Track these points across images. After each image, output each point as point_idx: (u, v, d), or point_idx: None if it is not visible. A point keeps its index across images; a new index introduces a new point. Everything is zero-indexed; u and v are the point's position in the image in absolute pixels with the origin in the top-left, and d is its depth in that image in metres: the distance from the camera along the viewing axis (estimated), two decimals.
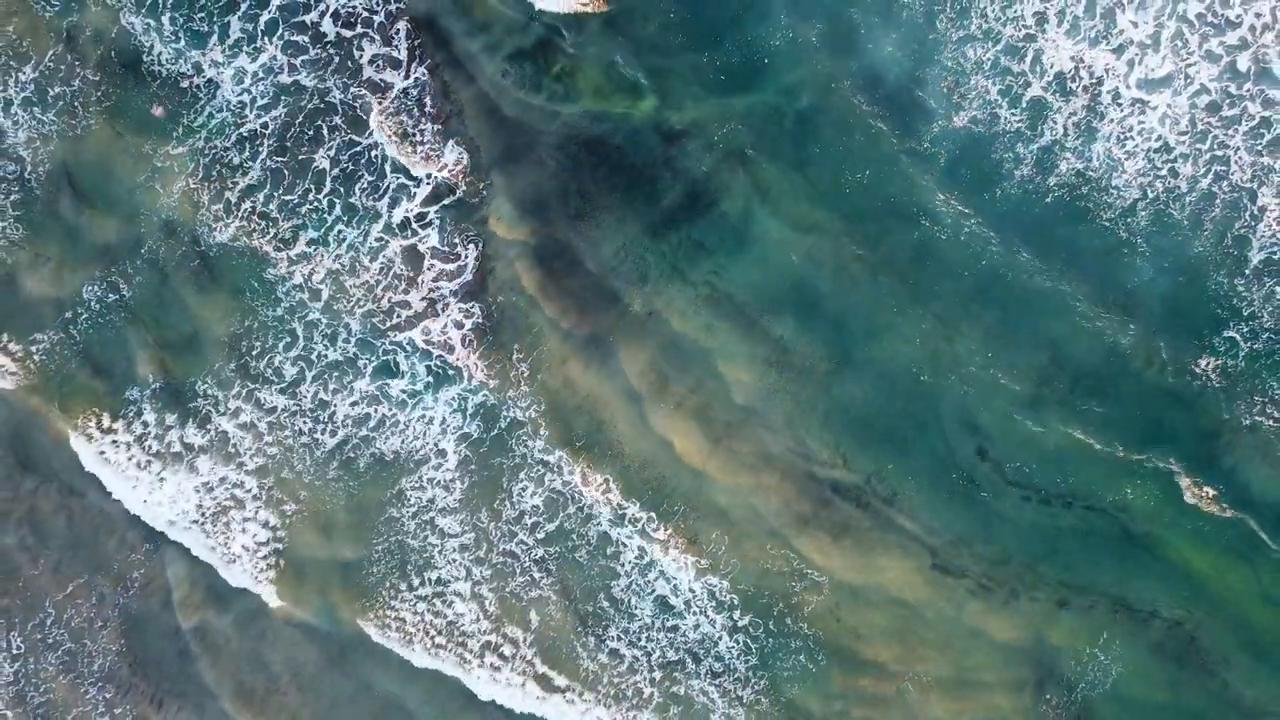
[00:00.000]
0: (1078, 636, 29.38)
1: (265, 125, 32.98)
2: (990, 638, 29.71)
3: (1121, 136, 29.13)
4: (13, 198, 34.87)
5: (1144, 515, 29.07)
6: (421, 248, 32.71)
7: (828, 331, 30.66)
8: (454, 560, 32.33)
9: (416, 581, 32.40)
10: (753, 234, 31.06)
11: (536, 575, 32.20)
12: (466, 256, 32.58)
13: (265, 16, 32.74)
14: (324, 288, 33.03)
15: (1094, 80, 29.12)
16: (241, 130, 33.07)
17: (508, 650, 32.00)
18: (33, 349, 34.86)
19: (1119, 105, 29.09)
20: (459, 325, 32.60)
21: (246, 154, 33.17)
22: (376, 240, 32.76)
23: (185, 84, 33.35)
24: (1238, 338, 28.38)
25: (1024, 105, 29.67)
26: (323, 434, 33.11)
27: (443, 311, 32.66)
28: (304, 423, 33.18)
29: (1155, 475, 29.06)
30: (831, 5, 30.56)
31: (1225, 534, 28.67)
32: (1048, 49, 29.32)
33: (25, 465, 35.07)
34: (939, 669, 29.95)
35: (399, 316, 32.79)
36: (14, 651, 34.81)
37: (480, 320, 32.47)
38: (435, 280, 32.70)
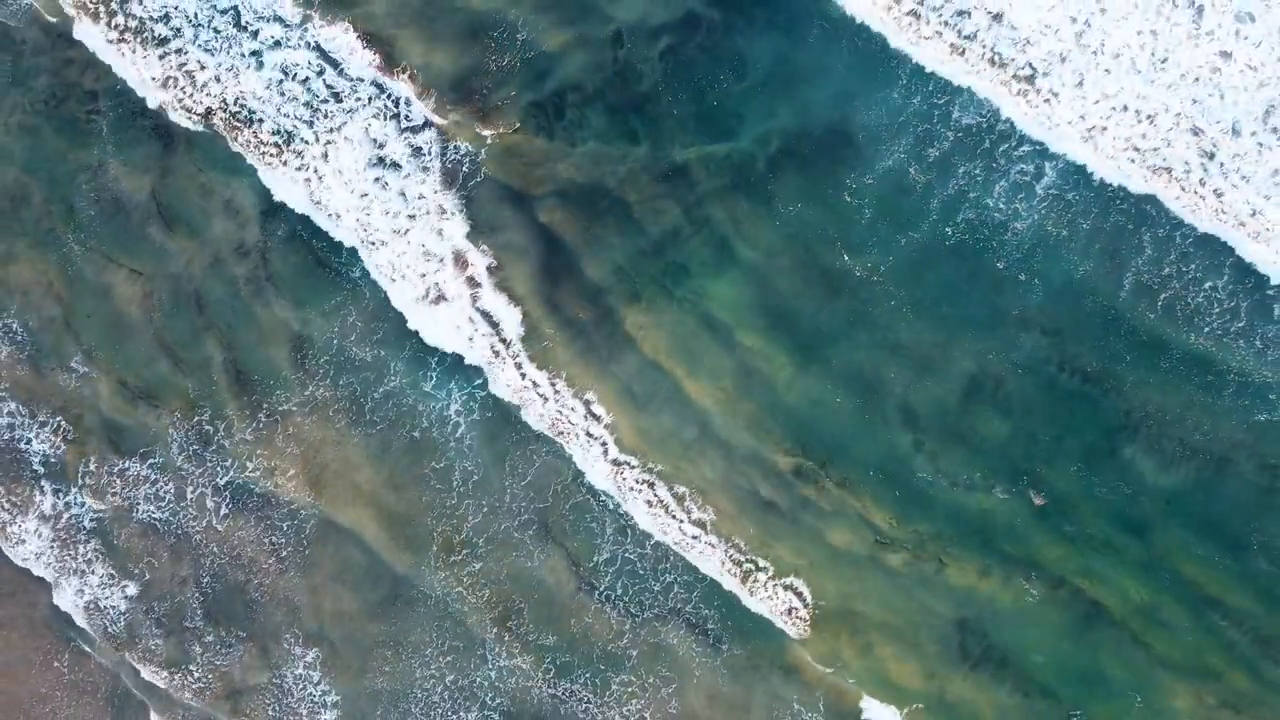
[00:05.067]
0: (998, 599, 31.57)
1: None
2: (923, 601, 32.07)
3: (1019, 187, 31.59)
4: (109, 220, 37.93)
5: (1053, 495, 31.42)
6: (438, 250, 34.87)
7: (790, 341, 32.97)
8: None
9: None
10: (728, 259, 33.40)
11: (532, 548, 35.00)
12: (479, 268, 34.67)
13: None
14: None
15: (997, 136, 31.61)
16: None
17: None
18: (117, 365, 37.95)
19: (1016, 159, 31.50)
20: (478, 319, 34.64)
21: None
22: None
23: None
24: (1123, 349, 31.05)
25: (932, 161, 32.19)
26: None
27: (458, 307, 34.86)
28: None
29: (1061, 462, 31.42)
30: (792, 72, 33.16)
31: (1121, 512, 31.01)
32: (956, 110, 32.03)
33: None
34: (882, 623, 32.32)
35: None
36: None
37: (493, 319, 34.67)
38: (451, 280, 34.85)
